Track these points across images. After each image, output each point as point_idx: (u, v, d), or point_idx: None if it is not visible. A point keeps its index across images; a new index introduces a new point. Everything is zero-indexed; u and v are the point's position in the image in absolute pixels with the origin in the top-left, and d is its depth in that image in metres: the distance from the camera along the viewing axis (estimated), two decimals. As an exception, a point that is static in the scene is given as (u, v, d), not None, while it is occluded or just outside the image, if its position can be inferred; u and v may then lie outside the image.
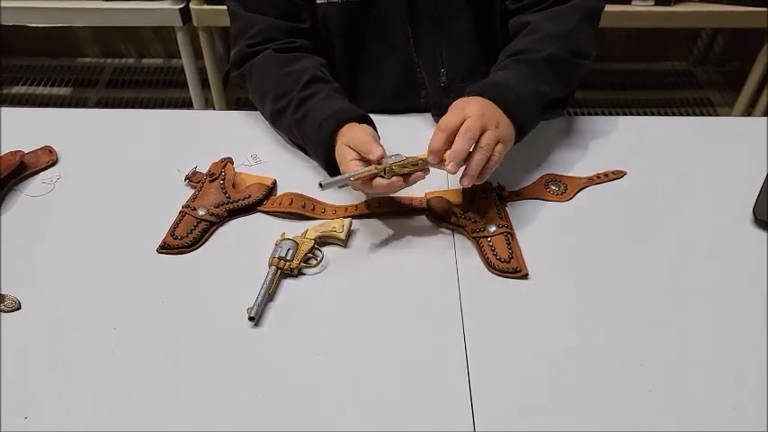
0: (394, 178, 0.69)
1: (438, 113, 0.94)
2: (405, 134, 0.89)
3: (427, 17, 0.87)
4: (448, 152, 0.68)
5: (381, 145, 0.71)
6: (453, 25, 0.88)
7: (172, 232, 0.73)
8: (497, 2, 0.88)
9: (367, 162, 0.71)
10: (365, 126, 0.78)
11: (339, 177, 0.69)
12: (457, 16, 0.88)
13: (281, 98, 0.84)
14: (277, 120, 0.88)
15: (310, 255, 0.70)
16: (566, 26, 0.83)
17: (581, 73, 0.87)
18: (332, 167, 0.81)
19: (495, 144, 0.69)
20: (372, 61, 0.92)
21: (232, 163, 0.82)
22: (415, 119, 0.94)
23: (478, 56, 0.91)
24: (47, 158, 0.85)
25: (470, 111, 0.69)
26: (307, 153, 0.85)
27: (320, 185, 0.67)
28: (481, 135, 0.68)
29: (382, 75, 0.93)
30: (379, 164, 0.69)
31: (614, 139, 0.90)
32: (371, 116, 0.83)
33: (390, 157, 0.70)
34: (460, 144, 0.67)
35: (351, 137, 0.74)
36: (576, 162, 0.86)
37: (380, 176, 0.69)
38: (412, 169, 0.69)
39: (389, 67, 0.92)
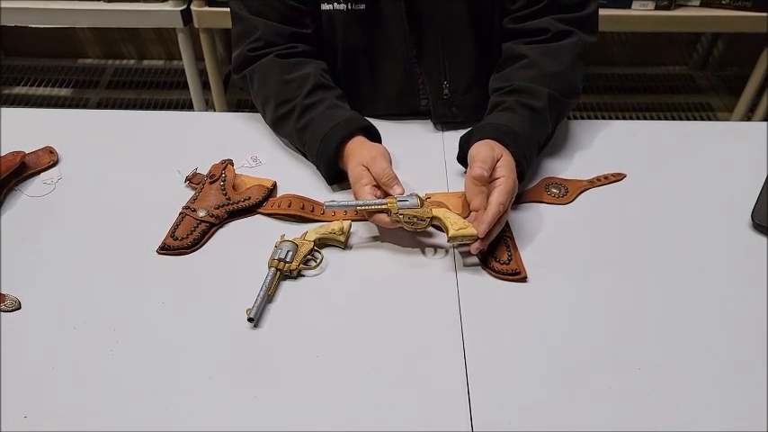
0: (396, 223, 0.70)
1: (441, 122, 0.94)
2: (405, 139, 0.90)
3: (430, 31, 0.87)
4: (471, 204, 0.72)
5: (400, 182, 0.74)
6: (456, 39, 0.88)
7: (172, 233, 0.73)
8: (497, 20, 0.88)
9: (378, 188, 0.74)
10: (380, 147, 0.79)
11: (345, 203, 0.72)
12: (460, 31, 0.87)
13: (284, 104, 0.85)
14: (279, 126, 0.88)
15: (310, 256, 0.70)
16: (561, 65, 0.83)
17: (568, 111, 0.89)
18: (333, 176, 0.81)
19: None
20: (373, 68, 0.92)
21: (232, 164, 0.82)
22: (416, 125, 0.95)
23: (479, 68, 0.91)
24: (48, 159, 0.86)
25: (504, 171, 0.71)
26: (307, 157, 0.85)
27: (323, 209, 0.73)
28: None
29: (383, 82, 0.93)
30: (393, 199, 0.70)
31: (614, 143, 0.91)
32: (372, 120, 0.83)
33: (405, 197, 0.71)
34: (491, 220, 0.68)
35: (371, 161, 0.75)
36: (576, 165, 0.86)
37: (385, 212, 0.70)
38: (417, 225, 0.70)
39: (390, 74, 0.92)
